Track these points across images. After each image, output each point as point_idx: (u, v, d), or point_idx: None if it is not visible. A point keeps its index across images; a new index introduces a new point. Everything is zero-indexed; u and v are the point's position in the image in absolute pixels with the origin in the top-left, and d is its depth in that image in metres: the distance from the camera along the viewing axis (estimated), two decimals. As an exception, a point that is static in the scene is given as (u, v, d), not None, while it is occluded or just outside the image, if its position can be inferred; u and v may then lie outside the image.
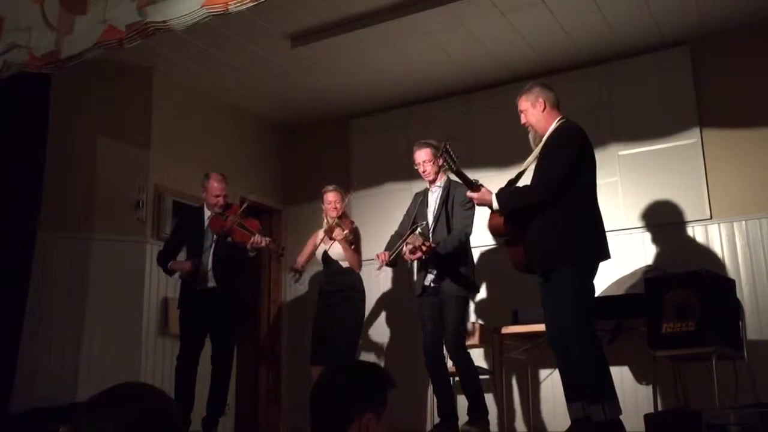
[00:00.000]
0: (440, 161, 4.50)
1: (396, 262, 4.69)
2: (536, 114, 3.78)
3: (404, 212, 4.95)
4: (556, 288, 3.55)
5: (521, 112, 3.86)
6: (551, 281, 3.58)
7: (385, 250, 4.71)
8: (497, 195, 3.76)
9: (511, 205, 3.71)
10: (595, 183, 3.74)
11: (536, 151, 3.77)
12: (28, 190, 4.98)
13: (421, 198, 4.82)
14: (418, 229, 4.55)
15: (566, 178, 3.55)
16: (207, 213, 5.00)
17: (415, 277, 4.73)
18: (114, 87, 5.63)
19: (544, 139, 3.74)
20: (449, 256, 4.49)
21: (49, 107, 5.11)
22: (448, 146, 3.81)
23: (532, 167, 3.80)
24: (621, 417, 3.51)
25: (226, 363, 4.88)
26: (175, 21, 3.88)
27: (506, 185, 3.88)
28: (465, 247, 4.59)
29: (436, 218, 4.61)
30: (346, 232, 5.04)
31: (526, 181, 3.79)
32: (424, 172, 4.69)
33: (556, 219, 3.55)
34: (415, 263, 4.71)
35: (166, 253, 4.99)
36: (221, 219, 4.89)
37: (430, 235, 4.59)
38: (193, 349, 4.79)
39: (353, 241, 5.15)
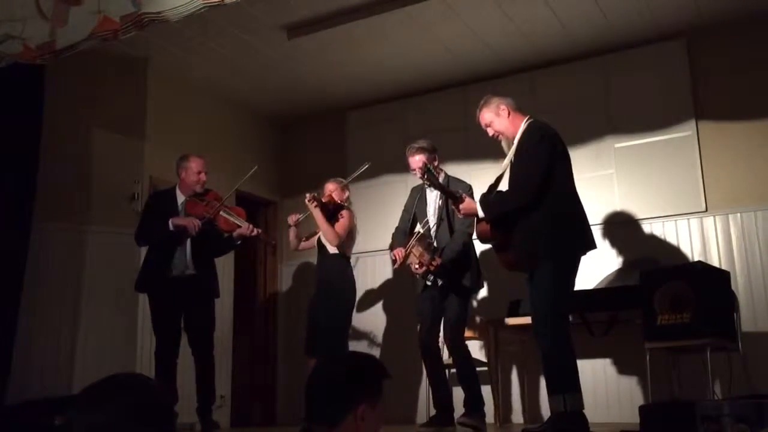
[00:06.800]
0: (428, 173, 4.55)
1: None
2: (502, 122, 3.84)
3: (400, 204, 4.94)
4: (537, 284, 3.62)
5: (486, 126, 3.90)
6: (534, 278, 3.64)
7: (390, 246, 4.73)
8: (481, 203, 3.80)
9: (496, 212, 3.75)
10: (570, 176, 3.77)
11: (510, 153, 3.80)
12: (23, 182, 4.95)
13: (419, 194, 4.80)
14: (422, 232, 4.58)
15: (544, 179, 3.60)
16: (180, 197, 4.76)
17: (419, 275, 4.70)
18: (108, 78, 5.60)
19: (516, 141, 3.78)
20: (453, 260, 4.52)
21: (43, 98, 5.08)
22: (429, 166, 3.98)
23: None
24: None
25: (210, 350, 4.72)
26: (170, 12, 3.87)
27: (487, 191, 3.93)
28: (467, 245, 4.61)
29: (439, 220, 4.64)
30: (314, 194, 4.93)
31: (505, 185, 3.81)
32: (421, 177, 4.61)
33: (537, 219, 3.60)
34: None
35: (145, 227, 4.74)
36: (200, 204, 4.66)
37: (433, 236, 4.61)
38: (173, 341, 4.61)
39: (332, 211, 5.01)
